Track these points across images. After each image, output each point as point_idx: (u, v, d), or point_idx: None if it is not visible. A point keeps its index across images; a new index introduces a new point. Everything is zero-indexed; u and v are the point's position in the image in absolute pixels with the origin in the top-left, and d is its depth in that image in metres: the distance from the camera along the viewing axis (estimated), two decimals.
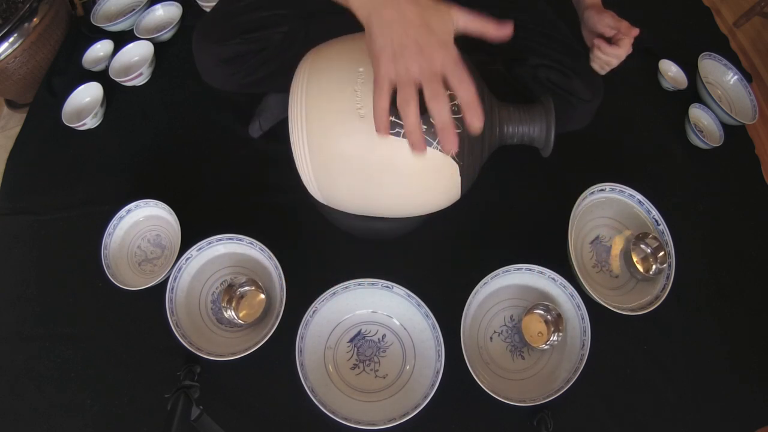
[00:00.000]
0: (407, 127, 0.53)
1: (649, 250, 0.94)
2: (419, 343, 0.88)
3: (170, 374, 0.86)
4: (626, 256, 0.95)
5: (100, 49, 1.27)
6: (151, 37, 1.24)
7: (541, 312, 0.89)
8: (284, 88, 0.73)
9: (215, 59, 0.82)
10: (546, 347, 0.87)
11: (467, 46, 0.73)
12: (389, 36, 0.52)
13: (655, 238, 0.93)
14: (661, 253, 0.92)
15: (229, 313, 0.89)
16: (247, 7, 0.81)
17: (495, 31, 0.56)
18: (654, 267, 0.93)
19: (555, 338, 0.87)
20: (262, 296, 0.90)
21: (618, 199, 0.98)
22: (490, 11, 0.86)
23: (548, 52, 0.87)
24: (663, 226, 0.95)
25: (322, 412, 0.79)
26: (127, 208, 0.98)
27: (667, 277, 0.92)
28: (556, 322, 0.87)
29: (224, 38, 0.80)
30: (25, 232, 1.06)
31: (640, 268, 0.94)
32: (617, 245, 0.97)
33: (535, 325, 0.89)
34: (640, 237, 0.94)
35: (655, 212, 0.95)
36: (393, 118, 0.65)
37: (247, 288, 0.91)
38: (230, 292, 0.89)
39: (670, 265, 0.93)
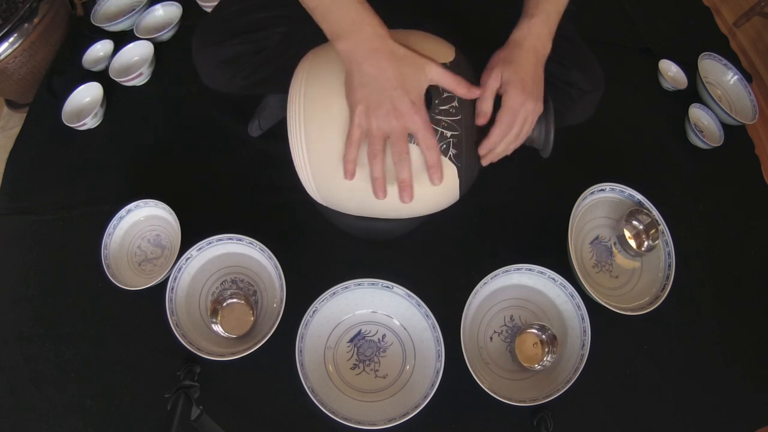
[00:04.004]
0: (372, 175, 0.62)
1: (641, 227, 0.95)
2: (419, 343, 0.88)
3: (170, 374, 0.86)
4: (621, 239, 0.96)
5: (100, 49, 1.27)
6: (151, 37, 1.24)
7: (536, 331, 0.89)
8: (284, 90, 0.73)
9: (215, 61, 0.82)
10: (539, 368, 0.87)
11: (465, 42, 0.74)
12: (366, 91, 0.58)
13: (647, 214, 0.94)
14: (653, 231, 0.93)
15: (216, 328, 0.89)
16: (245, 9, 0.81)
17: (464, 91, 0.61)
18: (646, 243, 0.93)
19: (549, 359, 0.86)
20: (252, 318, 0.89)
21: (618, 199, 0.98)
22: (483, 5, 0.86)
23: None
24: (663, 226, 0.95)
25: (322, 412, 0.79)
26: (127, 208, 0.98)
27: (667, 277, 0.92)
28: (551, 342, 0.87)
29: (222, 39, 0.80)
30: (25, 232, 1.06)
31: (633, 245, 0.94)
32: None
33: (529, 345, 0.88)
34: (633, 213, 0.94)
35: (655, 212, 0.95)
36: None
37: (234, 300, 0.90)
38: (215, 304, 0.89)
39: (670, 265, 0.93)
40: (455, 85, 0.61)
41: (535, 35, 0.68)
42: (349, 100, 0.61)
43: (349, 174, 0.63)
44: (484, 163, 0.69)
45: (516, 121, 0.65)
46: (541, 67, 0.68)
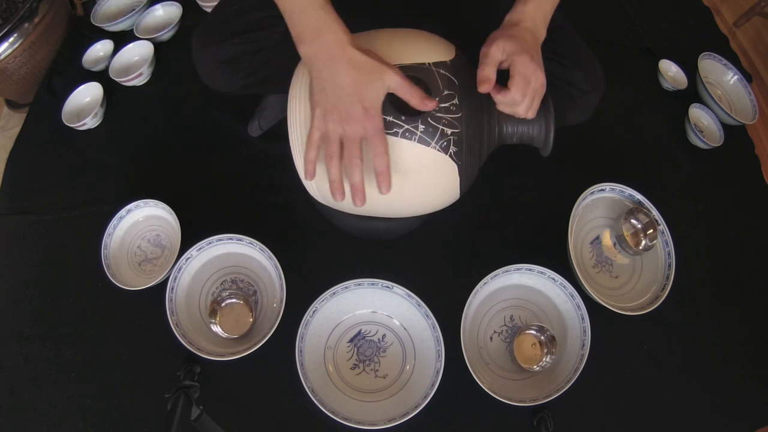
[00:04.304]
0: (330, 177, 0.63)
1: (639, 225, 0.95)
2: (419, 343, 0.88)
3: (170, 374, 0.86)
4: (619, 238, 0.96)
5: (100, 49, 1.27)
6: (151, 37, 1.24)
7: (534, 332, 0.88)
8: (285, 89, 0.73)
9: (215, 61, 0.82)
10: (537, 369, 0.87)
11: (465, 41, 0.74)
12: (323, 96, 0.60)
13: (645, 213, 0.94)
14: (651, 230, 0.93)
15: (216, 329, 0.89)
16: (245, 8, 0.81)
17: (417, 101, 0.61)
18: (644, 242, 0.93)
19: (548, 360, 0.86)
20: (250, 320, 0.89)
21: (618, 199, 0.98)
22: (483, 5, 0.86)
23: (546, 44, 0.86)
24: (663, 226, 0.95)
25: (322, 412, 0.79)
26: (127, 208, 0.98)
27: (667, 277, 0.92)
28: (550, 343, 0.86)
29: (222, 39, 0.80)
30: (25, 232, 1.06)
31: (631, 243, 0.94)
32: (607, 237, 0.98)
33: (528, 346, 0.88)
34: (632, 212, 0.94)
35: (655, 212, 0.95)
36: (391, 118, 0.65)
37: (233, 301, 0.90)
38: (214, 305, 0.89)
39: (670, 265, 0.93)
40: (410, 96, 0.61)
41: (530, 18, 0.68)
42: (310, 103, 0.63)
43: (309, 174, 0.64)
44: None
45: (528, 89, 0.64)
46: (539, 50, 0.68)
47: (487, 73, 0.63)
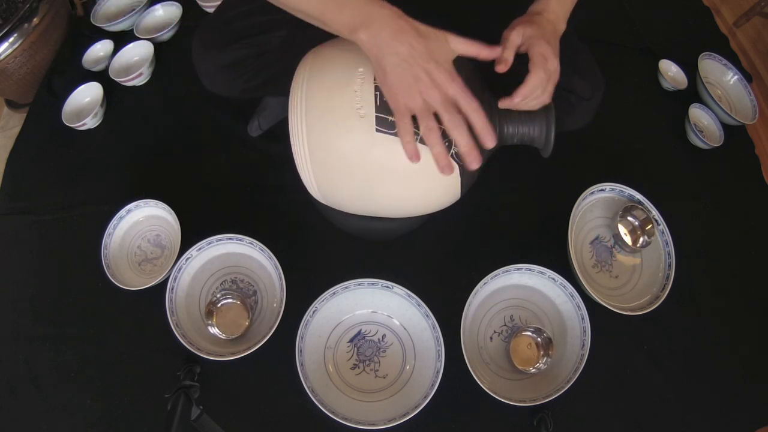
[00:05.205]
0: (435, 154, 0.60)
1: (636, 223, 0.95)
2: (419, 343, 0.88)
3: (170, 374, 0.86)
4: (617, 237, 0.96)
5: (100, 49, 1.27)
6: (151, 37, 1.24)
7: (531, 334, 0.88)
8: (285, 92, 0.73)
9: (216, 66, 0.82)
10: (533, 371, 0.87)
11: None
12: (401, 71, 0.58)
13: (642, 210, 0.94)
14: (649, 226, 0.93)
15: (213, 330, 0.89)
16: (245, 12, 0.81)
17: (488, 52, 0.63)
18: (642, 239, 0.93)
19: (544, 362, 0.86)
20: (246, 322, 0.89)
21: (618, 199, 0.98)
22: (486, 8, 0.86)
23: None
24: (663, 226, 0.95)
25: (322, 412, 0.79)
26: (127, 208, 0.98)
27: (667, 277, 0.92)
28: (546, 345, 0.86)
29: (223, 44, 0.80)
30: (25, 232, 1.06)
31: (628, 241, 0.94)
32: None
33: (524, 347, 0.88)
34: (628, 209, 0.94)
35: (655, 212, 0.95)
36: (393, 119, 0.65)
37: (230, 301, 0.90)
38: (210, 306, 0.89)
39: (669, 265, 0.93)
40: (478, 50, 0.62)
41: (552, 11, 0.70)
42: (386, 87, 0.60)
43: (415, 156, 0.61)
44: (503, 106, 0.68)
45: (546, 71, 0.66)
46: (558, 41, 0.70)
47: (506, 56, 0.66)
